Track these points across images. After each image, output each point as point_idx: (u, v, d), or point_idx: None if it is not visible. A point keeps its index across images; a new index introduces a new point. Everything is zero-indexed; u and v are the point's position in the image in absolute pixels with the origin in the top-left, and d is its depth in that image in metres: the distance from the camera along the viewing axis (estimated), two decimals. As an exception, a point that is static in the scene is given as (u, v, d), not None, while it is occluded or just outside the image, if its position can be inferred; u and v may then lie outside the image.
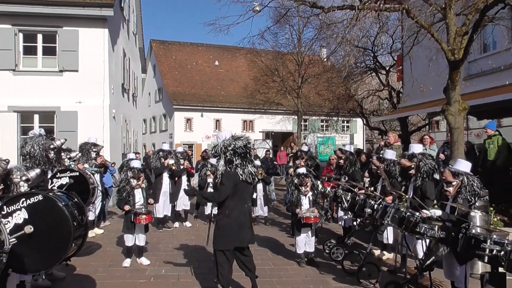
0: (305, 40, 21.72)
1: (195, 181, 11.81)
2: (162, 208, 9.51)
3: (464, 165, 4.93)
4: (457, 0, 7.94)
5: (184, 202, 10.21)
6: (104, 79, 12.96)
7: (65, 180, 6.30)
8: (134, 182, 6.79)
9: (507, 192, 8.27)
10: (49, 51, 12.74)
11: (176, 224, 10.02)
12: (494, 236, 3.90)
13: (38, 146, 6.05)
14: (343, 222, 8.17)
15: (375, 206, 5.83)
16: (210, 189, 8.78)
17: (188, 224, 10.16)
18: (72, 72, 12.64)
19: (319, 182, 7.45)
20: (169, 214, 9.89)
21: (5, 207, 3.79)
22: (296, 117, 23.20)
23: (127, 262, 6.68)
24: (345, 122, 33.07)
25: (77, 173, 6.60)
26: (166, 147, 10.19)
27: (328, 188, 7.89)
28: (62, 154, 6.84)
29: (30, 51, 12.77)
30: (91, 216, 8.08)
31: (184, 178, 10.16)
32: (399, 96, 18.11)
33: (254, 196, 10.18)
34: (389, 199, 6.31)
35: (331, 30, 13.40)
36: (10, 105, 12.29)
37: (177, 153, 10.31)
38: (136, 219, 6.51)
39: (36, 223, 3.78)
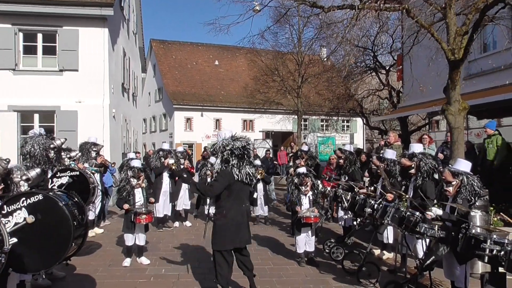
0: (305, 40, 21.77)
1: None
2: (162, 208, 9.51)
3: (464, 165, 4.93)
4: (457, -1, 7.95)
5: (184, 202, 10.21)
6: (104, 79, 12.96)
7: (65, 180, 6.30)
8: (134, 181, 6.79)
9: (506, 192, 8.27)
10: (49, 51, 12.74)
11: (176, 224, 10.02)
12: (494, 236, 3.90)
13: (38, 146, 6.05)
14: (343, 221, 8.17)
15: (375, 205, 5.83)
16: None
17: (188, 223, 10.16)
18: (72, 71, 12.64)
19: (319, 181, 7.46)
20: (169, 214, 9.89)
21: (5, 206, 3.79)
22: (296, 116, 23.21)
23: (127, 261, 6.69)
24: (345, 121, 33.07)
25: (77, 173, 6.59)
26: (166, 146, 10.20)
27: (328, 188, 7.89)
28: (62, 153, 6.83)
29: (30, 50, 12.77)
30: (91, 215, 8.08)
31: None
32: (399, 95, 18.12)
33: (255, 195, 10.20)
34: (389, 196, 6.31)
35: (331, 30, 13.42)
36: (10, 104, 12.29)
37: (177, 153, 10.30)
38: (136, 218, 6.51)
39: (37, 222, 3.79)
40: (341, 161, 8.61)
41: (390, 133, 9.76)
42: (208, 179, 9.37)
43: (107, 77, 13.01)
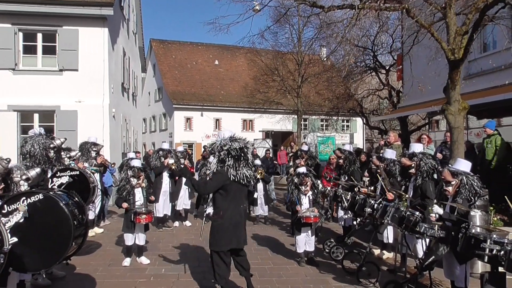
0: (305, 40, 21.77)
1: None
2: (162, 208, 9.51)
3: (463, 165, 4.92)
4: (457, -1, 7.94)
5: (184, 202, 10.21)
6: (104, 78, 12.96)
7: (65, 179, 6.30)
8: (134, 181, 6.79)
9: (505, 191, 8.26)
10: (49, 50, 12.73)
11: (176, 224, 10.02)
12: (494, 236, 3.90)
13: (38, 145, 6.05)
14: (343, 221, 8.17)
15: (375, 205, 5.83)
16: None
17: (188, 223, 10.16)
18: (72, 71, 12.64)
19: (319, 181, 7.46)
20: (169, 214, 9.89)
21: (5, 206, 3.79)
22: (296, 116, 23.21)
23: (127, 261, 6.69)
24: (345, 121, 33.08)
25: (77, 172, 6.59)
26: (166, 146, 10.20)
27: (328, 188, 7.89)
28: (62, 153, 6.84)
29: (30, 50, 12.76)
30: (91, 215, 8.08)
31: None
32: (399, 95, 18.12)
33: (255, 195, 10.21)
34: (390, 195, 6.31)
35: (331, 30, 13.43)
36: (10, 104, 12.29)
37: (177, 153, 10.30)
38: (136, 218, 6.52)
39: (37, 222, 3.79)
40: (341, 161, 8.61)
41: (390, 133, 9.76)
42: (208, 179, 9.37)
43: (107, 77, 13.01)
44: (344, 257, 6.58)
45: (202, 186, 5.42)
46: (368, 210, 5.89)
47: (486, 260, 3.87)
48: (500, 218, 7.57)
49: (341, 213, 8.14)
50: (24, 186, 4.53)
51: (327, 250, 7.17)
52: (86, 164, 8.09)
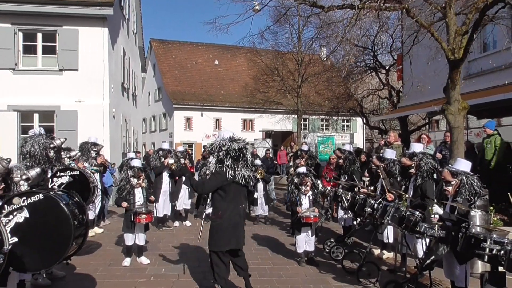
0: (305, 39, 21.78)
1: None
2: (162, 207, 9.51)
3: (463, 165, 4.92)
4: (457, -1, 7.94)
5: (184, 201, 10.21)
6: (104, 78, 12.95)
7: (65, 179, 6.30)
8: (134, 181, 6.79)
9: (504, 191, 8.26)
10: (49, 50, 12.73)
11: (176, 223, 10.02)
12: (494, 236, 3.90)
13: (38, 145, 6.04)
14: (343, 221, 8.17)
15: (375, 205, 5.83)
16: None
17: (188, 223, 10.16)
18: (72, 71, 12.63)
19: (319, 181, 7.45)
20: (169, 213, 9.89)
21: (6, 206, 3.79)
22: (296, 116, 23.23)
23: (127, 261, 6.69)
24: (345, 121, 33.09)
25: (78, 172, 6.59)
26: (166, 146, 10.19)
27: (328, 188, 7.89)
28: (62, 153, 6.83)
29: (29, 50, 12.76)
30: (91, 215, 8.08)
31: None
32: (399, 95, 18.12)
33: (255, 195, 10.21)
34: (389, 196, 6.31)
35: (331, 29, 13.44)
36: (10, 104, 12.28)
37: (177, 152, 10.30)
38: (136, 218, 6.52)
39: (37, 222, 3.79)
40: (341, 161, 8.61)
41: (390, 133, 9.76)
42: (206, 179, 9.37)
43: (107, 77, 13.01)
44: (344, 257, 6.58)
45: (200, 186, 5.41)
46: (368, 210, 5.89)
47: (486, 259, 3.87)
48: (500, 218, 7.57)
49: (341, 213, 8.15)
50: (24, 186, 4.52)
51: (327, 250, 7.17)
52: (86, 164, 8.08)
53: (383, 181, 6.75)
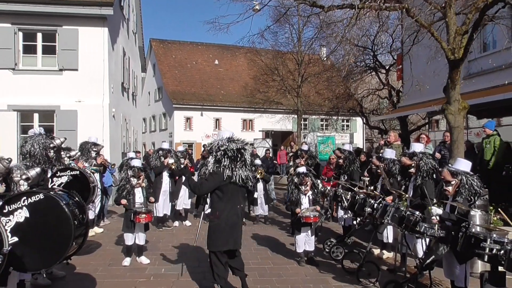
0: (305, 39, 21.80)
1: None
2: (162, 207, 9.52)
3: (463, 165, 4.92)
4: (457, -1, 7.94)
5: (184, 201, 10.21)
6: (103, 78, 12.96)
7: (65, 179, 6.30)
8: (134, 181, 6.79)
9: (503, 191, 8.27)
10: (49, 50, 12.73)
11: (176, 223, 10.02)
12: (494, 235, 3.90)
13: (38, 145, 6.04)
14: (343, 221, 8.17)
15: (375, 205, 5.83)
16: None
17: (188, 223, 10.16)
18: (72, 71, 12.64)
19: (319, 181, 7.45)
20: (169, 213, 9.89)
21: (6, 205, 3.80)
22: (296, 116, 23.23)
23: (127, 261, 6.69)
24: (345, 121, 33.10)
25: (77, 172, 6.59)
26: (165, 146, 10.19)
27: (328, 187, 7.89)
28: (62, 153, 6.83)
29: (29, 50, 12.75)
30: (91, 214, 8.08)
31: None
32: (399, 95, 18.13)
33: (255, 195, 10.21)
34: (389, 199, 6.31)
35: (331, 29, 13.43)
36: (10, 104, 12.28)
37: (177, 152, 10.30)
38: (136, 218, 6.52)
39: (37, 221, 3.79)
40: (341, 160, 8.61)
41: (390, 133, 9.77)
42: (204, 180, 9.37)
43: (106, 77, 13.01)
44: (344, 257, 6.58)
45: (197, 187, 5.41)
46: (368, 209, 5.89)
47: (486, 259, 3.87)
48: (500, 218, 7.56)
49: (341, 212, 8.14)
50: (24, 186, 4.53)
51: (327, 250, 7.17)
52: (86, 164, 8.08)
53: (383, 180, 6.75)
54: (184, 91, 31.37)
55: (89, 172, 7.26)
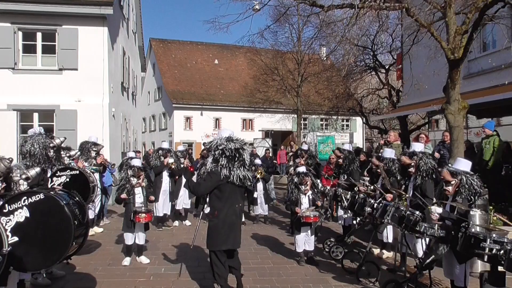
0: (304, 39, 21.79)
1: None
2: (162, 207, 9.52)
3: (463, 164, 4.92)
4: (457, -2, 7.95)
5: (184, 201, 10.20)
6: (103, 78, 12.95)
7: (65, 179, 6.30)
8: (134, 180, 6.79)
9: (503, 191, 8.28)
10: (49, 50, 12.72)
11: (176, 223, 10.02)
12: (494, 235, 3.90)
13: (38, 145, 6.04)
14: (342, 220, 8.17)
15: (375, 205, 5.84)
16: None
17: (187, 222, 10.16)
18: (72, 70, 12.63)
19: (318, 181, 7.46)
20: (169, 213, 9.90)
21: (6, 205, 3.80)
22: (295, 115, 23.24)
23: (126, 260, 6.69)
24: (345, 121, 33.10)
25: (77, 172, 6.59)
26: (165, 145, 10.19)
27: (328, 187, 7.89)
28: (62, 152, 6.83)
29: (29, 49, 12.75)
30: (91, 214, 8.08)
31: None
32: (399, 94, 18.13)
33: (255, 195, 10.21)
34: (389, 197, 6.31)
35: (331, 29, 13.43)
36: (10, 103, 12.27)
37: (177, 152, 10.30)
38: (136, 217, 6.52)
39: (38, 221, 3.79)
40: (340, 160, 8.61)
41: (390, 132, 9.77)
42: (202, 179, 9.36)
43: (106, 76, 13.00)
44: (344, 257, 6.59)
45: (196, 187, 5.42)
46: (368, 209, 5.90)
47: (485, 259, 3.88)
48: (499, 219, 7.56)
49: (341, 212, 8.14)
50: (23, 186, 4.53)
51: (326, 250, 7.18)
52: (85, 164, 8.08)
53: (383, 180, 6.74)
54: (184, 91, 31.38)
55: (89, 171, 7.25)
